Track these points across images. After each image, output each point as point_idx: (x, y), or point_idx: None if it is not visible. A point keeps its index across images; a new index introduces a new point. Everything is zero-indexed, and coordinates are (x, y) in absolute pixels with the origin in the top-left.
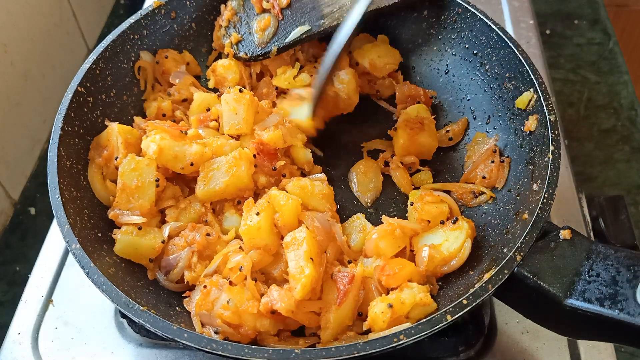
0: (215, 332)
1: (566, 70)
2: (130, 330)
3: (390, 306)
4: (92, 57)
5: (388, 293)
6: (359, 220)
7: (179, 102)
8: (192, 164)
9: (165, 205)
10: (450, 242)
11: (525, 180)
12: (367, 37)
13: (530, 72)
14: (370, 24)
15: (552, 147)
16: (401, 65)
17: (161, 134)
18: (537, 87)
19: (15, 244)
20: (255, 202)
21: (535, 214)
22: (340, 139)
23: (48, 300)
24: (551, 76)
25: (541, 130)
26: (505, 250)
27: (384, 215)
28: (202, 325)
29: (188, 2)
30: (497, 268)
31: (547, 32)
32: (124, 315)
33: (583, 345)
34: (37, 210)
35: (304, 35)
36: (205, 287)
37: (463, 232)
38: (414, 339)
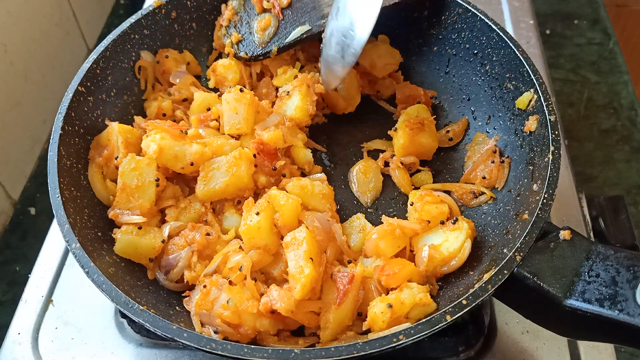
0: (215, 332)
1: (566, 70)
2: (130, 330)
3: (390, 306)
4: (93, 56)
5: (388, 293)
6: (359, 220)
7: (180, 102)
8: (192, 164)
9: (165, 205)
10: (450, 243)
11: (525, 180)
12: None
13: (530, 73)
14: None
15: (552, 148)
16: (401, 65)
17: (161, 134)
18: (538, 88)
19: (15, 244)
20: (255, 202)
21: (535, 214)
22: (340, 139)
23: (48, 300)
24: (551, 76)
25: (541, 131)
26: (505, 250)
27: (384, 215)
28: (202, 324)
29: (188, 2)
30: (497, 268)
31: (547, 32)
32: (124, 315)
33: (583, 345)
34: (37, 210)
35: (305, 35)
36: (205, 286)
37: (463, 232)
38: (414, 339)
